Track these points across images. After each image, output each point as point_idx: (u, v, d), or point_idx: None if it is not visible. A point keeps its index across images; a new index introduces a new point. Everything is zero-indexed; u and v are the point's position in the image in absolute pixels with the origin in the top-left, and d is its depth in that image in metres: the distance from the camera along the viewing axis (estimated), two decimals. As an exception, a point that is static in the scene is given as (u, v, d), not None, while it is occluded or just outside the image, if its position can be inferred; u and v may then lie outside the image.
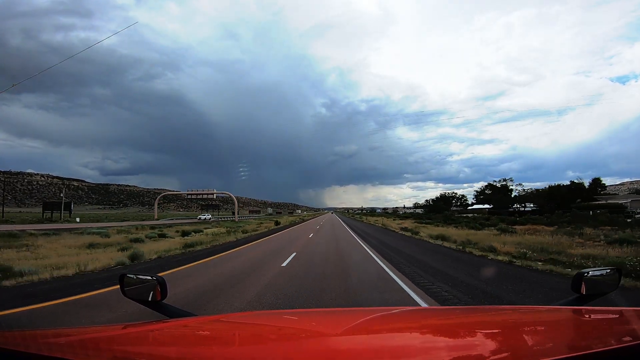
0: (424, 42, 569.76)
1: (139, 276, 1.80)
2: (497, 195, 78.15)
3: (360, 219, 68.95)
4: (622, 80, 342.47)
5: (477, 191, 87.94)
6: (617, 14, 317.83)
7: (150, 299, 1.72)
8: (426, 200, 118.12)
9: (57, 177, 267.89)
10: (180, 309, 1.87)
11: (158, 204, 73.54)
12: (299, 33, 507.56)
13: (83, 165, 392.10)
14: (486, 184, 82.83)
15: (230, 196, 57.74)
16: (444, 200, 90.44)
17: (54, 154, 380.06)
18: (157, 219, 60.80)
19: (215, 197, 65.60)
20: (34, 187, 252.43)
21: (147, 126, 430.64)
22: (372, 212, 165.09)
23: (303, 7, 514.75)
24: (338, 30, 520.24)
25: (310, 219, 77.87)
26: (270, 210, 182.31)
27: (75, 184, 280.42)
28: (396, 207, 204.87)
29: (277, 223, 39.60)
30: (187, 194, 64.85)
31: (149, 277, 1.76)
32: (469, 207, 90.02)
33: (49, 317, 5.00)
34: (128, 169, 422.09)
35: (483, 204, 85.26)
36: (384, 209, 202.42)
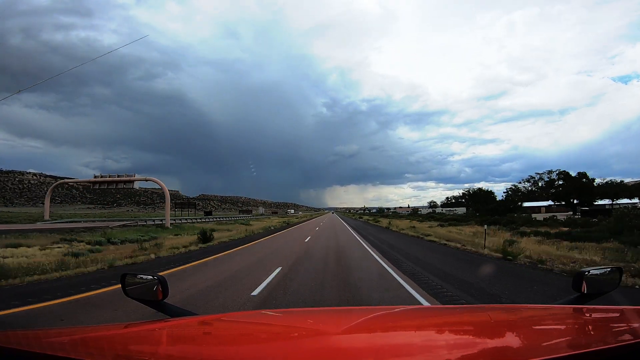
0: (425, 41, 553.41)
1: (140, 276, 1.74)
2: (571, 186, 54.81)
3: (376, 223, 44.16)
4: (624, 80, 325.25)
5: (515, 186, 64.89)
6: (619, 13, 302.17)
7: (151, 299, 1.66)
8: (447, 198, 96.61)
9: (50, 176, 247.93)
10: (182, 308, 1.80)
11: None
12: (300, 32, 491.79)
13: (84, 165, 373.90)
14: (554, 173, 59.29)
15: (160, 185, 32.83)
16: (472, 198, 67.49)
17: (55, 154, 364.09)
18: (47, 220, 38.65)
19: (137, 186, 40.08)
20: (24, 186, 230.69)
21: (148, 126, 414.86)
22: (380, 212, 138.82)
23: (303, 7, 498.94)
24: (339, 29, 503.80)
25: (303, 221, 55.69)
26: (261, 210, 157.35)
27: (70, 183, 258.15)
28: (400, 207, 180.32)
29: (203, 238, 16.91)
30: (95, 181, 40.18)
31: (150, 277, 1.69)
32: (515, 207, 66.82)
33: None
34: (129, 169, 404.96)
35: (539, 200, 61.88)
36: (387, 208, 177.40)
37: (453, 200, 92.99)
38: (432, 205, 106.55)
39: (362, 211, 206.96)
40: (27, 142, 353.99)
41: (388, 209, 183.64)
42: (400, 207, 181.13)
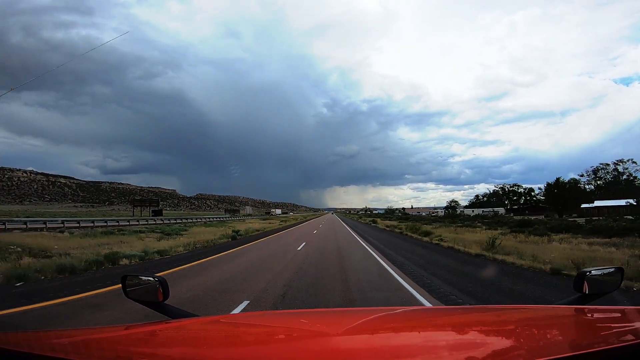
0: (426, 41, 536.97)
1: (141, 277, 1.69)
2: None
3: (443, 243, 15.51)
4: (626, 81, 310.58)
5: (573, 180, 45.10)
6: (622, 14, 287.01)
7: (152, 300, 1.62)
8: (477, 197, 76.35)
9: (42, 174, 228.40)
10: (182, 309, 1.76)
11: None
12: (300, 32, 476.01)
13: (84, 163, 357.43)
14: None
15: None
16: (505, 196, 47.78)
17: (54, 152, 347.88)
18: None
19: None
20: (13, 183, 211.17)
21: (148, 125, 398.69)
22: (390, 213, 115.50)
23: (304, 6, 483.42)
24: (339, 29, 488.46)
25: (281, 230, 31.63)
26: (249, 210, 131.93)
27: (62, 180, 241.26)
28: (403, 208, 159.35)
29: None
30: None
31: (151, 278, 1.66)
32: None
33: None
34: (129, 168, 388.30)
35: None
36: (397, 209, 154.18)
37: (484, 199, 72.88)
38: (453, 204, 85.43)
39: (364, 212, 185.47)
40: (26, 141, 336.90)
41: (398, 209, 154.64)
42: (404, 208, 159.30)
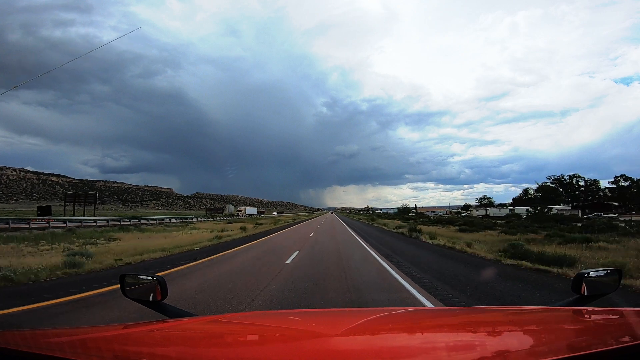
0: (427, 41, 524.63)
1: (139, 276, 1.67)
2: None
3: None
4: (626, 81, 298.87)
5: None
6: (623, 14, 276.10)
7: (150, 299, 1.58)
8: (527, 192, 59.60)
9: (32, 172, 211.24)
10: (181, 309, 1.74)
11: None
12: (301, 31, 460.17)
13: (83, 162, 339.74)
14: None
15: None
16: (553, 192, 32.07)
17: (54, 151, 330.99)
18: None
19: None
20: (2, 181, 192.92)
21: (148, 124, 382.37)
22: (405, 212, 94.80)
23: (305, 5, 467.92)
24: (341, 28, 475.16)
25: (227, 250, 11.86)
26: (230, 209, 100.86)
27: (54, 179, 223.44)
28: (407, 206, 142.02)
29: None
30: None
31: (149, 278, 1.63)
32: None
33: None
34: (128, 167, 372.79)
35: None
36: (406, 208, 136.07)
37: (538, 195, 55.69)
38: (484, 202, 67.72)
39: (366, 211, 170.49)
40: (25, 140, 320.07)
41: (413, 208, 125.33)
42: (406, 207, 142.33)
